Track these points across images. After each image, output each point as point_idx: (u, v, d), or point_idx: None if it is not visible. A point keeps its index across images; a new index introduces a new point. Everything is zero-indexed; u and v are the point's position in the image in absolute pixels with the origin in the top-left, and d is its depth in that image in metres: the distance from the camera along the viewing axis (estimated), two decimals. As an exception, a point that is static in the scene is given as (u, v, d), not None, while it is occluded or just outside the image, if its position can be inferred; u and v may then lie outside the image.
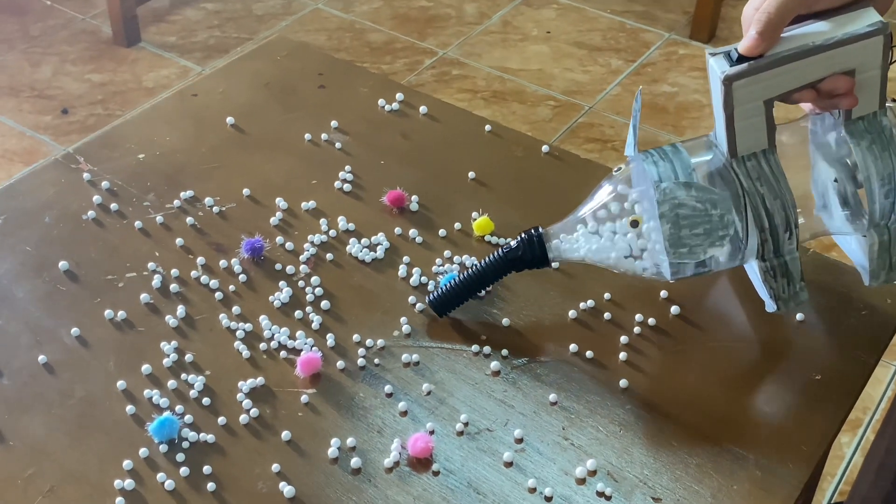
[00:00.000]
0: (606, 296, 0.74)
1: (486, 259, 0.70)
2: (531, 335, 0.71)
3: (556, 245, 0.68)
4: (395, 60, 2.05)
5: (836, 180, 0.68)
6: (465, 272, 0.70)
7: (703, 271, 0.67)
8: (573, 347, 0.70)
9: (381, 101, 0.94)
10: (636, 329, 0.71)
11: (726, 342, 0.71)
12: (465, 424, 0.65)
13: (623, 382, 0.68)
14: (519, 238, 0.69)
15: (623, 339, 0.71)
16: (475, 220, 0.80)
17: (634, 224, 0.65)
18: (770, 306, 0.69)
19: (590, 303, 0.73)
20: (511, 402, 0.67)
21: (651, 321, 0.72)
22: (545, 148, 0.87)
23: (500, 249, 0.69)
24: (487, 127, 0.90)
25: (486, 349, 0.70)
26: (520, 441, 0.64)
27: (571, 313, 0.73)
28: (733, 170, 0.64)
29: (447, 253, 0.78)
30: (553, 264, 0.70)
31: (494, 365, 0.69)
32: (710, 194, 0.64)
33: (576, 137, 1.87)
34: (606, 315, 0.72)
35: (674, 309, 0.73)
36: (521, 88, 1.98)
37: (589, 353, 0.70)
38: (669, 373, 0.69)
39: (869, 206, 0.66)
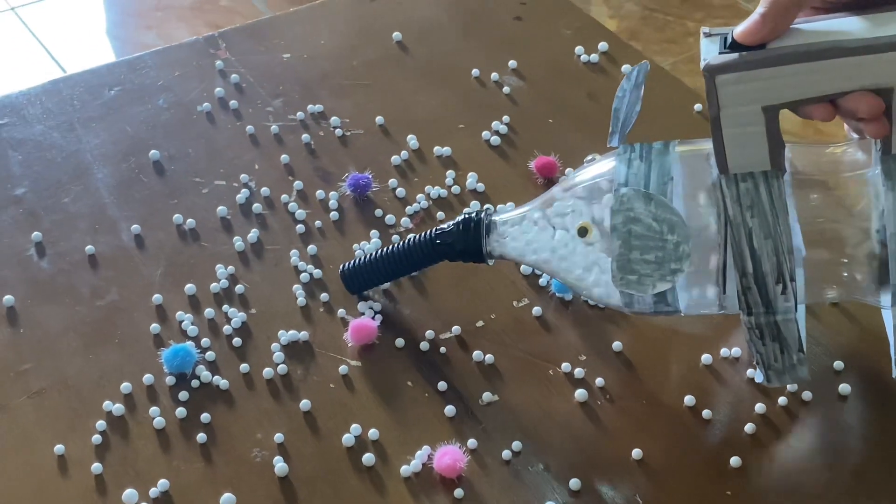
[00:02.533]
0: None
1: (415, 237, 0.64)
2: (643, 369, 0.65)
3: (499, 238, 0.63)
4: (708, 18, 1.93)
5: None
6: (386, 248, 0.65)
7: (666, 310, 0.60)
8: (689, 400, 0.63)
9: (578, 49, 0.90)
10: (782, 399, 0.63)
11: None
12: (516, 454, 0.61)
13: (735, 461, 0.60)
14: (454, 221, 0.63)
15: (760, 407, 0.63)
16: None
17: (583, 232, 0.60)
18: (758, 375, 0.62)
19: (735, 351, 0.66)
20: (585, 442, 0.61)
21: (807, 395, 0.64)
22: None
23: (431, 230, 0.64)
24: (697, 106, 0.83)
25: (579, 372, 0.65)
26: (576, 493, 0.59)
27: (705, 358, 0.66)
28: (721, 190, 0.56)
29: (580, 245, 0.72)
30: (489, 261, 0.64)
31: (581, 394, 0.64)
32: (669, 214, 0.57)
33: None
34: (750, 372, 0.65)
35: (843, 388, 0.64)
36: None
37: (706, 413, 0.63)
38: (800, 465, 0.60)
39: (891, 270, 0.55)
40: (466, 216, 0.64)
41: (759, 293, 0.57)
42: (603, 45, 0.89)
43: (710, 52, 0.56)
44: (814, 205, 0.59)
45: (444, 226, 0.64)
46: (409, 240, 0.65)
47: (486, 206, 0.66)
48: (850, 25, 0.55)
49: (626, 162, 0.60)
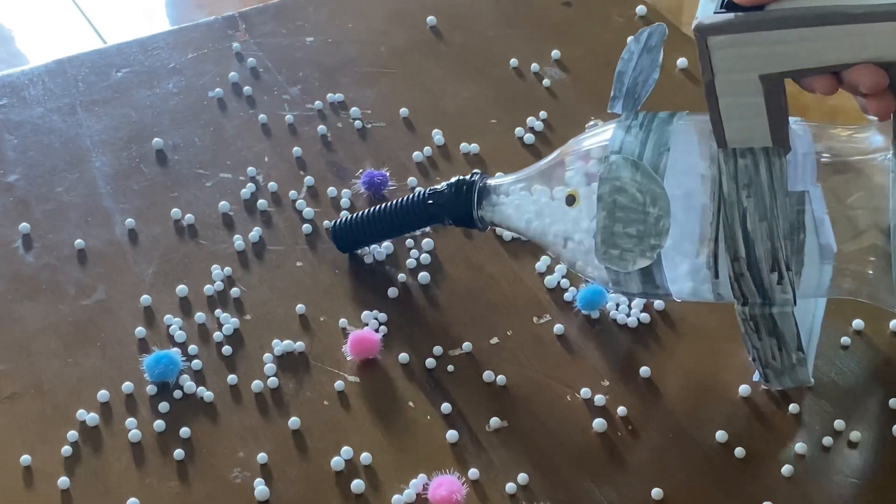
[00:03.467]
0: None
1: (408, 198, 0.65)
2: (672, 399, 0.63)
3: (492, 204, 0.63)
4: None
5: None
6: (379, 206, 0.66)
7: (656, 293, 0.60)
8: (721, 435, 0.61)
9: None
10: (826, 439, 0.60)
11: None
12: (522, 488, 0.59)
13: (767, 507, 0.58)
14: (447, 183, 0.64)
15: (800, 447, 0.60)
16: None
17: (571, 199, 0.59)
18: (756, 374, 0.60)
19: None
20: (601, 478, 0.59)
21: (855, 435, 0.60)
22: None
23: (425, 190, 0.65)
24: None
25: (600, 399, 0.62)
26: (584, 537, 0.57)
27: (743, 389, 0.63)
28: (718, 166, 0.55)
29: (613, 257, 0.70)
30: (481, 227, 0.64)
31: (600, 423, 0.61)
32: (653, 185, 0.57)
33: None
34: (793, 407, 0.62)
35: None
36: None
37: (739, 451, 0.60)
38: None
39: (893, 266, 0.54)
40: (460, 178, 0.64)
41: (752, 281, 0.56)
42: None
43: (704, 10, 0.54)
44: (837, 191, 0.57)
45: (438, 186, 0.64)
46: (402, 199, 0.66)
47: (477, 171, 0.65)
48: None
49: (624, 128, 0.59)
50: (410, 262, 0.70)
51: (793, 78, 0.54)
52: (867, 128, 0.58)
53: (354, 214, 0.68)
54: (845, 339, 0.65)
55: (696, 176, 0.57)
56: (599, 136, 0.61)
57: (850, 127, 0.59)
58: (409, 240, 0.71)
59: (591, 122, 0.62)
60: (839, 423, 0.61)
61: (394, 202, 0.66)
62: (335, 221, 0.68)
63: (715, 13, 0.53)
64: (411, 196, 0.65)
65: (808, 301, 0.60)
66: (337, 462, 0.59)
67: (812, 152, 0.57)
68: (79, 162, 0.77)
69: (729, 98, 0.54)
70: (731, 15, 0.53)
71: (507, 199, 0.63)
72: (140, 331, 0.66)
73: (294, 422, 0.61)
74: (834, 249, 0.57)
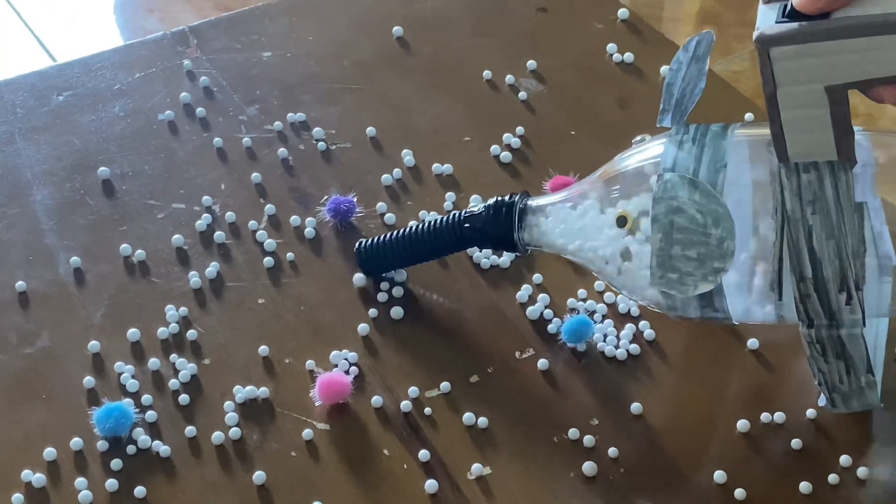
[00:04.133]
0: (810, 413, 0.62)
1: (442, 220, 0.65)
2: (666, 437, 0.62)
3: (533, 225, 0.63)
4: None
5: None
6: (410, 227, 0.66)
7: (715, 317, 0.60)
8: (719, 476, 0.59)
9: (610, 47, 0.86)
10: (833, 477, 0.59)
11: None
12: (509, 541, 0.57)
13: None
14: (485, 204, 0.64)
15: (805, 486, 0.59)
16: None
17: (622, 221, 0.60)
18: (821, 399, 0.60)
19: (778, 416, 0.62)
20: (592, 529, 0.58)
21: (863, 471, 0.59)
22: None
23: (460, 212, 0.65)
24: (749, 116, 0.80)
25: (589, 440, 0.61)
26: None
27: (742, 424, 0.62)
28: (780, 181, 0.56)
29: (599, 285, 0.69)
30: (523, 250, 0.64)
31: (590, 467, 0.60)
32: (715, 204, 0.57)
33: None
34: (796, 442, 0.61)
35: (911, 464, 0.59)
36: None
37: (740, 493, 0.59)
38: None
39: None
40: (499, 199, 0.64)
41: (819, 302, 0.56)
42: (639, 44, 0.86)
43: (766, 20, 0.54)
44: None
45: (474, 208, 0.65)
46: (435, 221, 0.66)
47: (517, 192, 0.65)
48: None
49: (676, 144, 0.59)
50: (382, 296, 0.68)
51: (859, 88, 0.54)
52: None
53: (382, 236, 0.67)
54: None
55: (756, 193, 0.58)
56: (648, 151, 0.61)
57: None
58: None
59: (638, 138, 0.62)
60: (845, 459, 0.60)
61: (426, 224, 0.66)
62: (361, 242, 0.68)
63: (777, 22, 0.53)
64: (445, 218, 0.65)
65: (871, 319, 0.60)
66: (306, 520, 0.58)
67: (872, 163, 0.57)
68: (18, 195, 0.74)
69: (792, 111, 0.54)
70: (794, 24, 0.53)
71: (550, 220, 0.63)
72: (89, 380, 0.64)
73: (259, 476, 0.59)
74: (893, 263, 0.57)
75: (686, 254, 0.58)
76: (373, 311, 0.68)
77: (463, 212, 0.65)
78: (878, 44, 0.52)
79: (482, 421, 0.62)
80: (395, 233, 0.67)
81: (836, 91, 0.53)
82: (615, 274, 0.61)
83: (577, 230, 0.62)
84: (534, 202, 0.64)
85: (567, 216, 0.62)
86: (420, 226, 0.66)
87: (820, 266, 0.56)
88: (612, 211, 0.61)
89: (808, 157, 0.55)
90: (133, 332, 0.66)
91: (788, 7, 0.54)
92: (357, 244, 0.68)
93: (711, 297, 0.59)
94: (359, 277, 0.69)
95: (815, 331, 0.57)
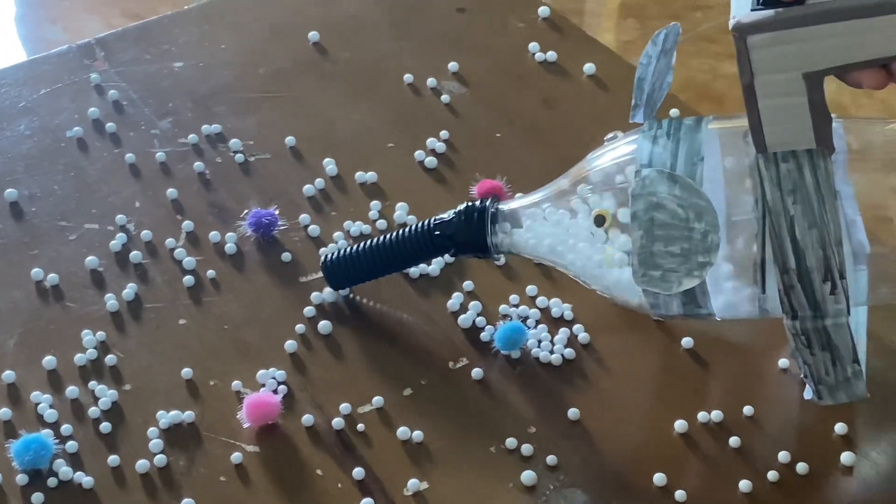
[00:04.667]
0: (747, 410, 0.64)
1: (411, 228, 0.66)
2: (605, 442, 0.63)
3: (507, 229, 0.64)
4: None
5: None
6: (378, 238, 0.66)
7: (698, 313, 0.61)
8: (659, 479, 0.61)
9: (532, 46, 0.88)
10: (772, 474, 0.61)
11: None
12: (449, 558, 0.58)
13: (717, 557, 0.58)
14: (455, 210, 0.65)
15: (745, 485, 0.60)
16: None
17: (600, 220, 0.61)
18: (807, 392, 0.61)
19: (715, 415, 0.63)
20: (533, 541, 0.59)
21: (802, 466, 0.61)
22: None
23: (428, 220, 0.65)
24: (674, 111, 0.81)
25: (527, 448, 0.62)
26: None
27: (679, 424, 0.63)
28: (759, 172, 0.57)
29: (531, 290, 0.70)
30: (499, 257, 0.66)
31: (528, 477, 0.61)
32: (696, 198, 0.58)
33: None
34: (734, 440, 0.62)
35: (847, 457, 0.61)
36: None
37: (680, 494, 0.60)
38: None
39: None
40: (469, 205, 0.65)
41: (804, 293, 0.57)
42: (559, 40, 0.87)
43: (740, 8, 0.55)
44: (869, 190, 0.59)
45: (444, 215, 0.65)
46: (403, 231, 0.66)
47: (488, 197, 0.66)
48: None
49: (650, 139, 0.60)
50: (308, 311, 0.69)
51: (836, 74, 0.56)
52: None
53: (349, 247, 0.67)
54: (783, 362, 0.66)
55: (734, 185, 0.59)
56: (622, 148, 0.62)
57: (881, 119, 0.61)
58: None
59: (610, 135, 0.63)
60: (784, 455, 0.61)
61: (394, 234, 0.66)
62: (326, 255, 0.68)
63: (752, 10, 0.55)
64: (414, 227, 0.66)
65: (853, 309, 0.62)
66: (239, 546, 0.58)
67: (844, 150, 0.59)
68: (-80, 222, 0.74)
69: (770, 100, 0.55)
70: (771, 12, 0.54)
71: (524, 223, 0.64)
72: (5, 412, 0.64)
73: (188, 503, 0.60)
74: (867, 251, 0.58)
75: (669, 250, 0.59)
76: (300, 327, 0.68)
77: (432, 219, 0.65)
78: (856, 27, 0.53)
79: (417, 434, 0.63)
80: (362, 244, 0.67)
81: (813, 77, 0.55)
82: (593, 274, 0.62)
83: (551, 232, 0.63)
84: (505, 206, 0.65)
85: (540, 219, 0.63)
86: (388, 236, 0.66)
87: (803, 256, 0.57)
88: (585, 209, 0.62)
89: (787, 147, 0.56)
90: (49, 360, 0.66)
91: None
92: (322, 257, 0.68)
93: (694, 294, 0.60)
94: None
95: (800, 322, 0.58)
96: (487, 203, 0.64)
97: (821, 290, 0.57)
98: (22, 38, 2.03)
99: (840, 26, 0.54)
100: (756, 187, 0.57)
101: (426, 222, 0.65)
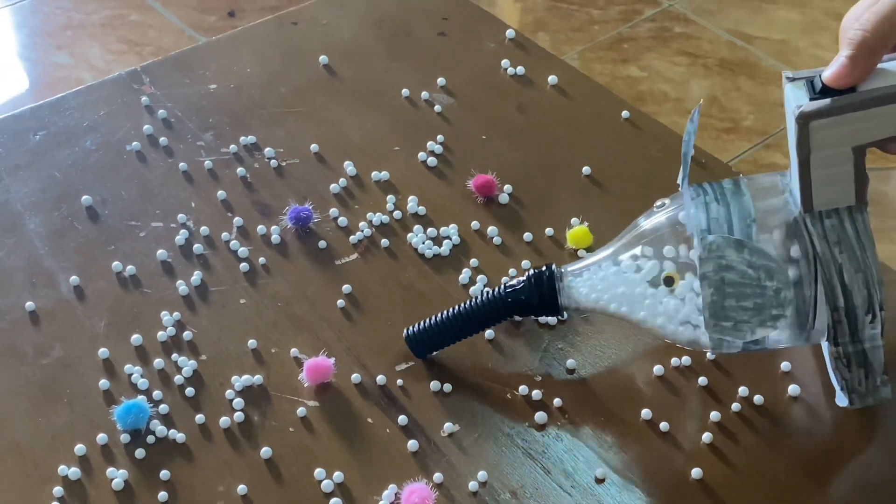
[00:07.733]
0: (709, 356, 0.66)
1: (481, 297, 0.63)
2: (599, 386, 0.64)
3: (571, 286, 0.62)
4: (610, 6, 1.96)
5: None
6: (454, 308, 0.64)
7: (755, 349, 0.60)
8: (645, 413, 0.63)
9: (504, 62, 0.88)
10: (735, 405, 0.63)
11: (853, 443, 0.61)
12: (483, 485, 0.59)
13: (696, 472, 0.60)
14: (525, 277, 0.63)
15: (714, 415, 0.63)
16: (571, 228, 0.73)
17: (669, 282, 0.59)
18: (841, 399, 0.61)
19: (685, 360, 0.65)
20: (548, 468, 0.60)
21: (758, 398, 0.63)
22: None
23: (499, 287, 0.63)
24: (625, 113, 0.83)
25: (537, 393, 0.64)
26: (545, 519, 0.58)
27: (657, 369, 0.65)
28: (806, 228, 0.57)
29: (526, 263, 0.71)
30: (564, 313, 0.64)
31: (540, 416, 0.62)
32: (767, 261, 0.57)
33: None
34: (702, 380, 0.64)
35: (793, 388, 0.64)
36: (755, 61, 1.83)
37: (664, 425, 0.62)
38: (760, 470, 0.60)
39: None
40: (536, 270, 0.63)
41: (847, 325, 0.58)
42: (526, 58, 0.88)
43: (798, 97, 0.56)
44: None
45: (514, 282, 0.63)
46: (477, 299, 0.63)
47: (548, 263, 0.64)
48: None
49: (703, 206, 0.58)
50: (346, 287, 0.70)
51: (878, 146, 0.57)
52: None
53: (428, 319, 0.64)
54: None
55: (774, 237, 0.58)
56: (673, 212, 0.60)
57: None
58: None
59: (659, 203, 0.60)
60: (743, 390, 0.64)
61: (469, 303, 0.63)
62: (409, 328, 0.64)
63: (811, 99, 0.55)
64: (487, 295, 0.63)
65: None
66: (312, 484, 0.59)
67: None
68: (13, 226, 0.73)
69: (822, 170, 0.56)
70: (828, 100, 0.55)
71: (586, 282, 0.62)
72: (104, 383, 0.63)
73: (266, 451, 0.60)
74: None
75: (741, 304, 0.58)
76: (340, 302, 0.69)
77: (503, 286, 0.63)
78: (894, 110, 0.55)
79: (447, 387, 0.64)
80: (439, 315, 0.64)
81: (860, 149, 0.56)
82: (659, 326, 0.61)
83: (615, 292, 0.61)
84: (569, 268, 0.62)
85: (603, 280, 0.61)
86: (463, 306, 0.63)
87: (850, 296, 0.57)
88: (641, 271, 0.60)
89: (830, 206, 0.56)
90: (136, 338, 0.66)
91: (818, 83, 0.56)
92: (405, 331, 0.64)
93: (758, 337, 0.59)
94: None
95: (842, 347, 0.59)
96: (553, 267, 0.62)
97: (862, 321, 0.58)
98: (32, 62, 1.99)
99: (886, 109, 0.55)
100: (805, 240, 0.57)
101: (498, 290, 0.63)
